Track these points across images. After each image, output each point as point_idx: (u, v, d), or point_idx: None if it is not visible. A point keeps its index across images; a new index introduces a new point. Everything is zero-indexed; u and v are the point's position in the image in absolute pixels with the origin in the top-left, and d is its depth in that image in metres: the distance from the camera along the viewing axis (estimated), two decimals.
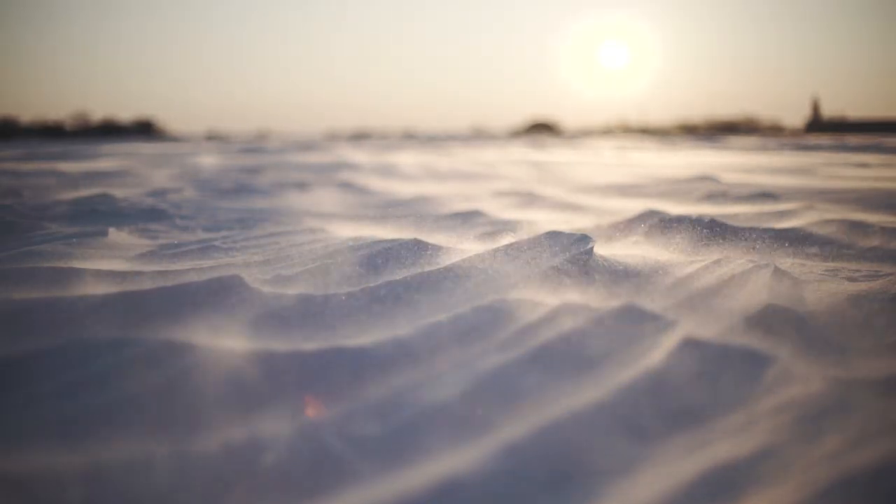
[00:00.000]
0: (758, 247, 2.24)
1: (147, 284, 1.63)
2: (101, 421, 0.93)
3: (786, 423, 0.83)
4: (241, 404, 0.98)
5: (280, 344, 1.17)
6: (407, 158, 10.23)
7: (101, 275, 1.72)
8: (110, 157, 10.90)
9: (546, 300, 1.33)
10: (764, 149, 13.69)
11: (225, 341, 1.16)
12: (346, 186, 5.04)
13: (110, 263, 2.00)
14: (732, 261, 1.74)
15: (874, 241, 2.27)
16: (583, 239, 1.85)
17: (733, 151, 12.58)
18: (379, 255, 1.87)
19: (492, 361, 1.06)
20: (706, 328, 1.30)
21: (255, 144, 20.11)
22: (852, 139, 20.03)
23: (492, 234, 2.54)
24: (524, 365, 1.06)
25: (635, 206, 3.63)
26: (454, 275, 1.64)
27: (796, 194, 4.15)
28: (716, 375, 0.98)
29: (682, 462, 0.79)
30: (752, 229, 2.46)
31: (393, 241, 1.98)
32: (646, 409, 0.91)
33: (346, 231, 2.68)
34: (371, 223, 3.13)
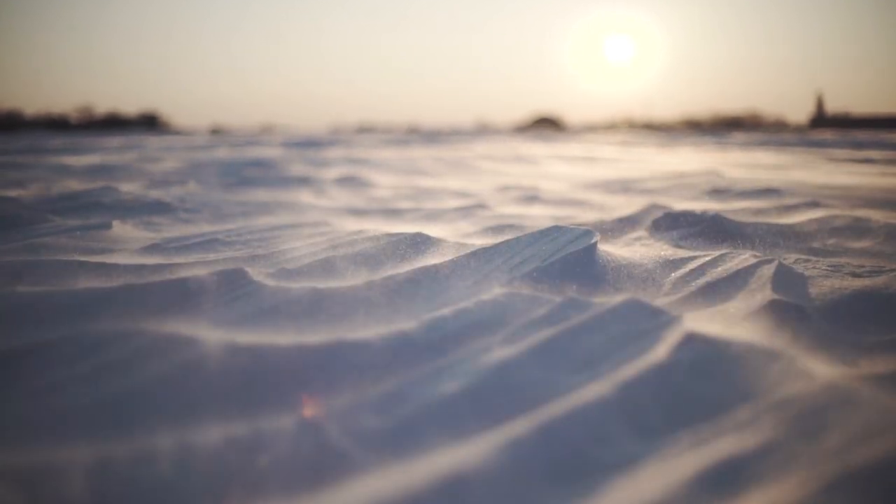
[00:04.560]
0: (762, 242, 2.23)
1: (151, 277, 1.64)
2: (105, 413, 0.93)
3: (789, 419, 0.83)
4: (245, 397, 0.98)
5: (283, 337, 1.17)
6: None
7: (105, 267, 1.72)
8: (114, 151, 10.91)
9: (549, 295, 1.33)
10: (768, 144, 13.65)
11: (228, 334, 1.16)
12: (350, 180, 5.04)
13: (114, 256, 2.00)
14: (736, 256, 1.74)
15: (878, 237, 2.27)
16: (586, 234, 1.85)
17: (737, 146, 12.54)
18: (383, 249, 1.87)
19: (495, 356, 1.06)
20: (710, 323, 1.29)
21: (257, 138, 20.10)
22: (857, 135, 19.97)
23: (495, 229, 2.54)
24: (528, 360, 1.06)
25: (639, 200, 3.62)
26: (458, 268, 1.64)
27: (800, 190, 4.14)
28: (719, 371, 0.98)
29: (686, 457, 0.79)
30: (756, 224, 2.45)
31: (397, 234, 1.98)
32: (649, 405, 0.91)
33: (350, 224, 2.68)
34: (375, 216, 3.13)
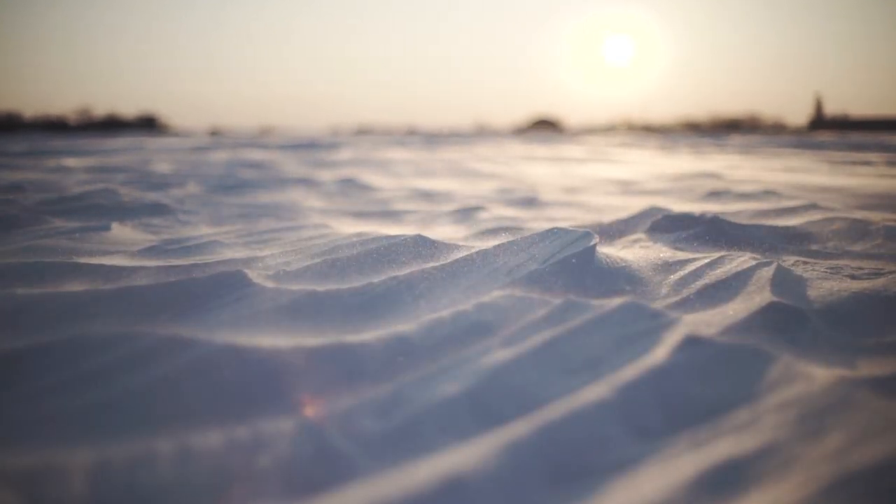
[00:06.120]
0: (761, 244, 2.23)
1: (150, 279, 1.64)
2: (104, 416, 0.93)
3: (788, 421, 0.83)
4: (244, 399, 0.98)
5: (283, 339, 1.17)
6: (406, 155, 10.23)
7: (104, 269, 1.72)
8: (113, 153, 10.91)
9: (548, 297, 1.33)
10: (767, 146, 13.67)
11: (227, 337, 1.16)
12: (349, 182, 5.04)
13: (113, 258, 2.00)
14: (735, 258, 1.74)
15: (877, 239, 2.27)
16: (585, 235, 1.85)
17: (736, 148, 12.55)
18: (382, 251, 1.87)
19: (494, 358, 1.06)
20: (709, 326, 1.30)
21: (258, 140, 20.12)
22: (856, 137, 20.02)
23: (494, 231, 2.54)
24: (527, 362, 1.06)
25: (638, 202, 3.63)
26: (457, 270, 1.64)
27: (799, 192, 4.14)
28: (718, 373, 0.98)
29: (685, 459, 0.79)
30: (755, 227, 2.46)
31: (396, 236, 1.98)
32: (648, 407, 0.91)
33: (350, 227, 2.68)
34: (374, 219, 3.13)
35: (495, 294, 1.33)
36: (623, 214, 2.92)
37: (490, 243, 1.91)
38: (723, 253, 1.85)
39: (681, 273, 1.71)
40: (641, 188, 4.70)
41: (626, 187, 4.78)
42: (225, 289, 1.48)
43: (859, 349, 1.26)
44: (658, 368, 0.98)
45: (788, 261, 1.92)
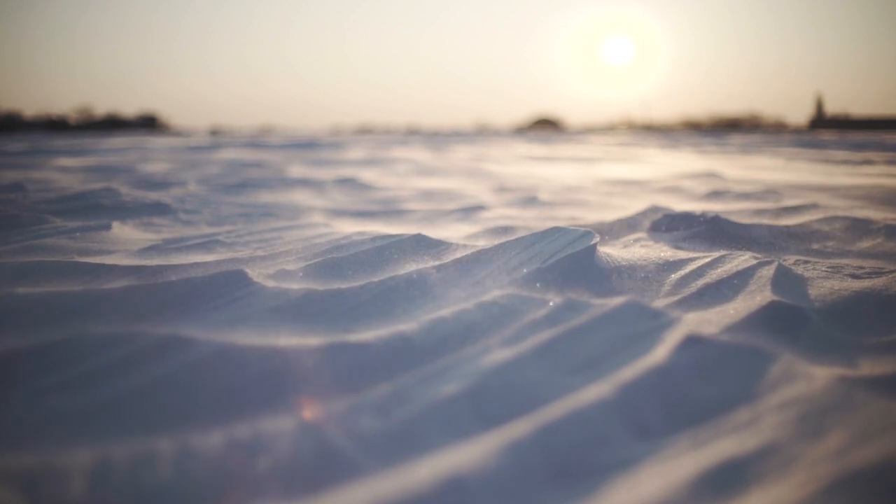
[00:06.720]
0: (761, 243, 2.23)
1: (150, 279, 1.63)
2: (104, 415, 0.93)
3: (789, 420, 0.83)
4: (245, 399, 0.98)
5: (283, 339, 1.17)
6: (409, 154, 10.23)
7: (104, 269, 1.72)
8: (114, 152, 10.91)
9: (549, 296, 1.33)
10: (767, 145, 13.66)
11: (228, 336, 1.16)
12: (350, 182, 5.03)
13: (114, 258, 2.00)
14: (736, 257, 1.74)
15: (878, 238, 2.27)
16: (586, 235, 1.85)
17: (737, 148, 12.55)
18: (382, 251, 1.87)
19: (495, 357, 1.06)
20: (709, 325, 1.29)
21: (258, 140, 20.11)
22: (856, 136, 20.02)
23: (495, 230, 2.54)
24: (527, 361, 1.06)
25: (639, 202, 3.63)
26: (457, 270, 1.64)
27: (800, 191, 4.14)
28: (719, 372, 0.98)
29: (686, 459, 0.79)
30: (755, 226, 2.45)
31: (396, 236, 1.98)
32: (649, 406, 0.91)
33: (350, 226, 2.68)
34: (375, 218, 3.13)
35: (496, 293, 1.33)
36: (624, 213, 2.92)
37: (491, 242, 1.91)
38: (724, 252, 1.85)
39: (681, 272, 1.71)
40: (642, 187, 4.70)
41: (627, 186, 4.78)
42: (225, 288, 1.48)
43: (860, 348, 1.26)
44: (659, 368, 0.98)
45: (789, 260, 1.92)
